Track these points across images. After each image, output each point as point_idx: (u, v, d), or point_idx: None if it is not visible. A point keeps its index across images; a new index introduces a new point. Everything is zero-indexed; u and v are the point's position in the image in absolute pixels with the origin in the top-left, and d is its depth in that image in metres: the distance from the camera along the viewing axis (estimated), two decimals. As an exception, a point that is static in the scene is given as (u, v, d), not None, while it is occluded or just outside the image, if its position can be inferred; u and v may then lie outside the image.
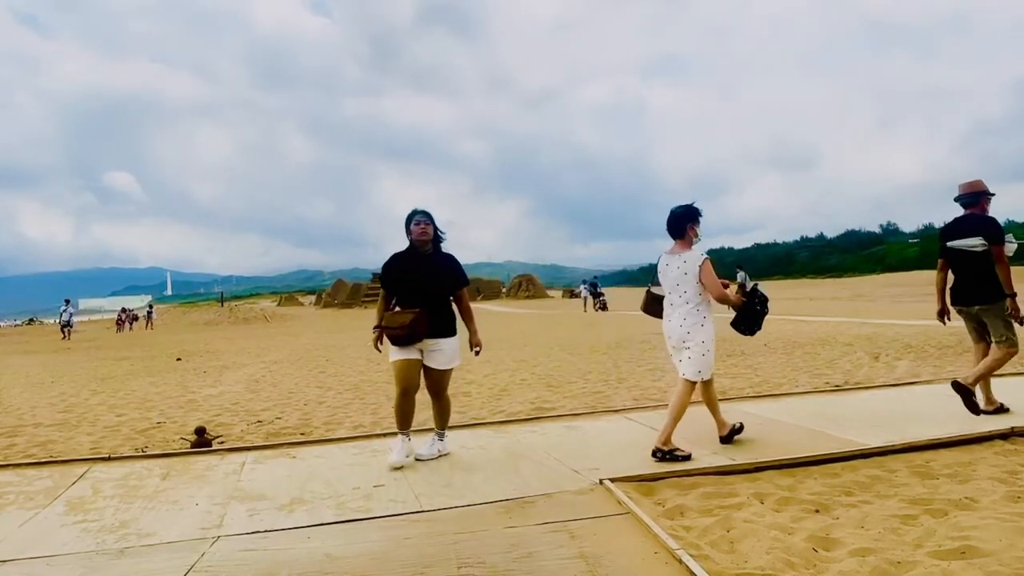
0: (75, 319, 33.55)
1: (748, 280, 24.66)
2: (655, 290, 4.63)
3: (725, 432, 4.48)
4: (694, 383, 4.26)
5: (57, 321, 32.13)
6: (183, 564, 2.84)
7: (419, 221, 4.31)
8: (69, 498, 3.88)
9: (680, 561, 2.59)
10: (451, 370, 4.43)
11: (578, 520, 3.14)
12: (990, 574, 2.42)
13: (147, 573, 2.80)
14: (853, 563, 2.57)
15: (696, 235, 4.32)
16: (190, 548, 3.04)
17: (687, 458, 4.10)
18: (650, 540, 2.84)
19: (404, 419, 4.32)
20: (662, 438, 4.18)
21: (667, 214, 4.38)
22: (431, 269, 4.32)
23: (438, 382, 4.41)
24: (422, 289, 4.28)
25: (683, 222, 4.30)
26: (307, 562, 2.82)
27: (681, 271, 4.24)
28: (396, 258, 4.40)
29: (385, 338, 4.33)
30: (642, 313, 4.88)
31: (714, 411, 4.50)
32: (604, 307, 32.40)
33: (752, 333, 4.45)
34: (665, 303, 4.42)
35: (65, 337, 29.05)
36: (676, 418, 4.18)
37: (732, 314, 4.49)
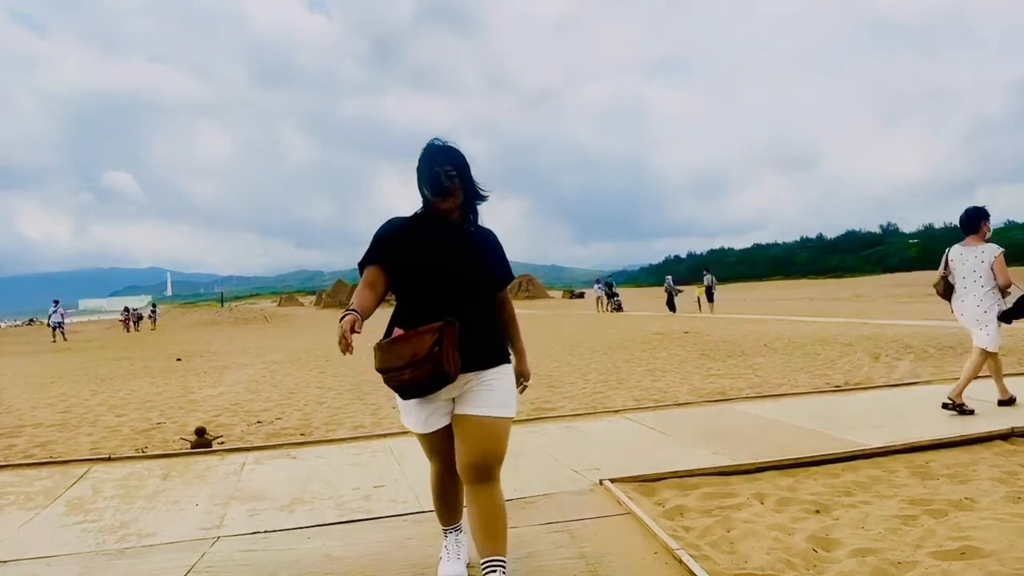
0: (68, 320, 32.98)
1: (715, 282, 25.40)
2: (949, 277, 5.21)
3: (1006, 397, 5.14)
4: (989, 352, 4.98)
5: (47, 322, 31.65)
6: (183, 564, 2.84)
7: (444, 177, 2.29)
8: (69, 498, 3.88)
9: (680, 561, 2.59)
10: (509, 420, 2.37)
11: (578, 520, 3.14)
12: (990, 574, 2.42)
13: (147, 573, 2.80)
14: (853, 563, 2.57)
15: (989, 229, 5.05)
16: (190, 548, 3.04)
17: (971, 412, 4.89)
18: (650, 540, 2.84)
19: (451, 509, 2.64)
20: (955, 392, 4.98)
21: (961, 212, 5.10)
22: (467, 249, 2.39)
23: (485, 442, 2.31)
24: (452, 282, 2.33)
25: (978, 219, 5.04)
26: (307, 562, 2.82)
27: (978, 260, 4.97)
28: (401, 226, 2.41)
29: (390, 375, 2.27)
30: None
31: (998, 378, 5.17)
32: (619, 308, 31.39)
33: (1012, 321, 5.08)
34: (958, 287, 5.11)
35: (55, 340, 28.55)
36: (969, 378, 4.98)
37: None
